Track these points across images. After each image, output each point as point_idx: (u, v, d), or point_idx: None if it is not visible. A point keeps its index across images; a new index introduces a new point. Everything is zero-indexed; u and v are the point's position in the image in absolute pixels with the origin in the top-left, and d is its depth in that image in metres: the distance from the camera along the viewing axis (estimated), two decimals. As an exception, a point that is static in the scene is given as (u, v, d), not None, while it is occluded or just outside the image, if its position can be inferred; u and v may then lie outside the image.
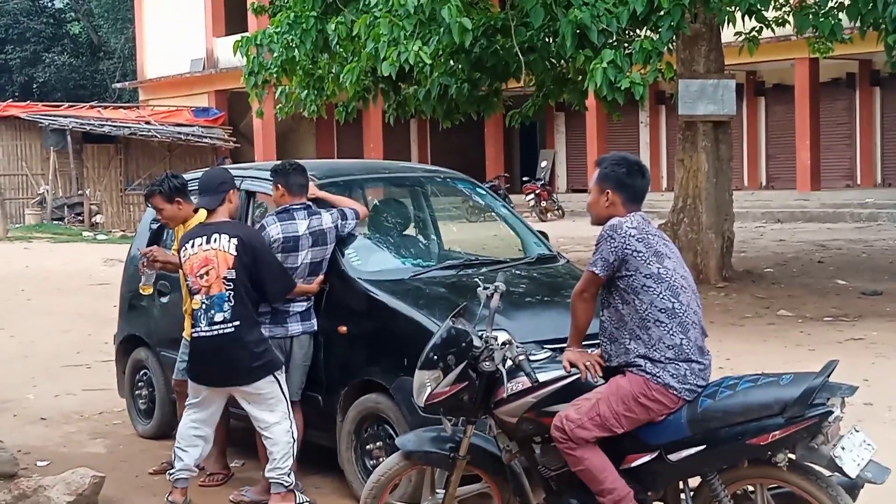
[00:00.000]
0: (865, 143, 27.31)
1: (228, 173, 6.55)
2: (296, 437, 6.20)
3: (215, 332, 6.06)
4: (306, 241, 6.43)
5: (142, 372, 8.02)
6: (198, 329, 6.13)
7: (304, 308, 6.43)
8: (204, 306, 6.10)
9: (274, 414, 6.14)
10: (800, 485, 4.43)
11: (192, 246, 6.20)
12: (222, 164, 7.49)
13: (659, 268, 4.56)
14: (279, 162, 6.86)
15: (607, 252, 4.58)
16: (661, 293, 4.54)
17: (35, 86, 43.00)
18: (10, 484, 6.49)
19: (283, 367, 6.25)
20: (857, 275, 15.20)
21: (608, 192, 4.73)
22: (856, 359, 9.36)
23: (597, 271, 4.61)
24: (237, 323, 6.06)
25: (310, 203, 6.55)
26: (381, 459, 5.97)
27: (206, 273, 6.09)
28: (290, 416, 6.18)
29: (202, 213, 6.51)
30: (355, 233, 6.66)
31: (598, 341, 4.87)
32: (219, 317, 6.06)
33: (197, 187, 6.51)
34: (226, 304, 6.07)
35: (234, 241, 6.11)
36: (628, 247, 4.55)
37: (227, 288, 6.06)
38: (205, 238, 6.16)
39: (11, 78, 44.03)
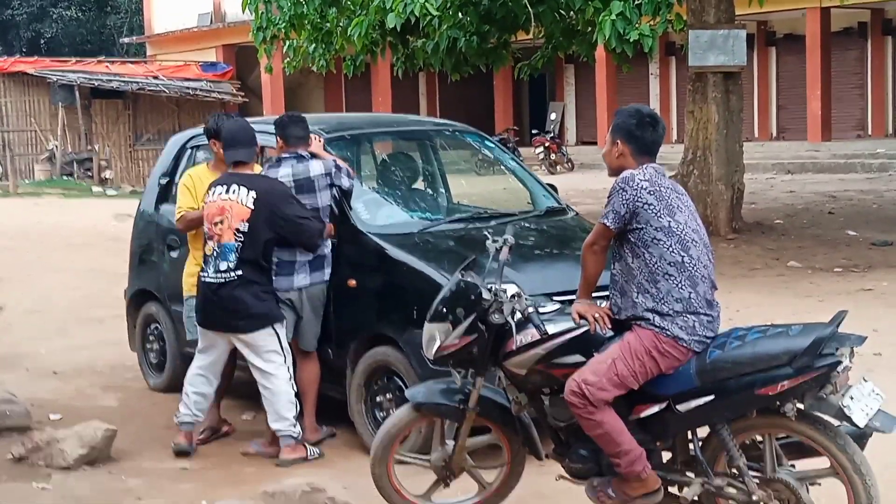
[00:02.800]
0: (877, 93, 27.10)
1: (252, 127, 6.56)
2: (295, 388, 6.29)
3: (220, 280, 6.19)
4: (288, 187, 6.38)
5: (153, 326, 8.07)
6: (205, 274, 6.29)
7: (311, 257, 6.43)
8: (214, 253, 6.24)
9: (272, 365, 6.23)
10: (808, 434, 4.45)
11: (213, 194, 6.32)
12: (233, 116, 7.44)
13: (670, 221, 4.55)
14: (281, 115, 6.86)
15: (619, 205, 4.56)
16: (670, 246, 4.53)
17: (42, 41, 42.82)
18: (23, 437, 6.56)
19: (284, 321, 6.32)
20: (868, 225, 15.15)
21: (618, 143, 4.72)
22: (865, 309, 9.35)
23: (608, 224, 4.59)
24: (240, 272, 6.16)
25: (303, 153, 6.52)
26: (390, 412, 6.01)
27: (220, 222, 6.20)
28: (290, 369, 6.25)
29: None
30: (347, 187, 6.57)
31: (607, 293, 4.87)
32: (223, 265, 6.19)
33: (225, 141, 6.47)
34: (232, 254, 6.17)
35: (252, 193, 6.16)
36: (640, 199, 4.53)
37: (238, 239, 6.15)
38: (225, 187, 6.23)
39: (18, 33, 43.85)
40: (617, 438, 4.55)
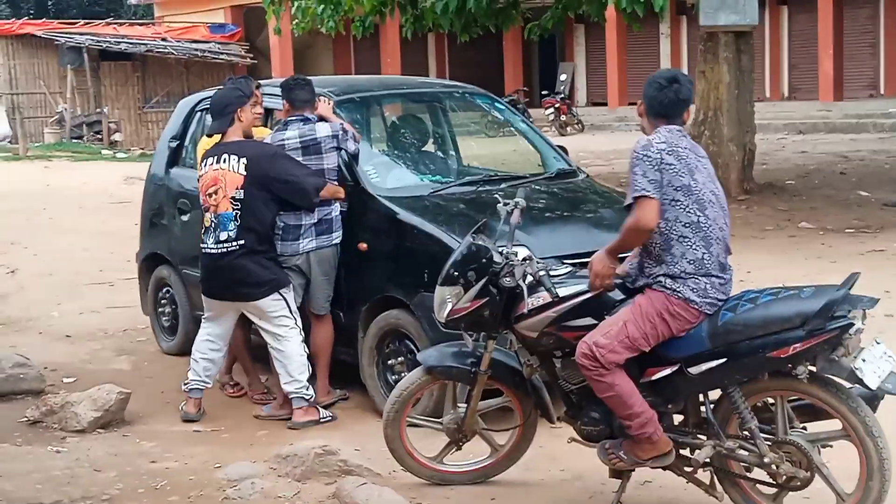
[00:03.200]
0: (890, 52, 26.84)
1: (234, 92, 6.48)
2: (307, 351, 6.31)
3: (221, 250, 6.22)
4: (294, 149, 6.39)
5: (164, 290, 8.09)
6: (205, 245, 6.32)
7: (316, 220, 6.42)
8: (212, 224, 6.27)
9: (283, 329, 6.26)
10: (820, 397, 4.45)
11: (205, 165, 6.37)
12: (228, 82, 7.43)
13: (690, 181, 4.50)
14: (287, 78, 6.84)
15: (650, 171, 4.44)
16: (687, 206, 4.49)
17: (50, 3, 42.71)
18: (37, 400, 6.61)
19: (290, 285, 6.33)
20: (880, 186, 15.08)
21: (642, 104, 4.71)
22: (877, 270, 9.32)
23: (649, 193, 4.42)
24: (241, 241, 6.19)
25: (309, 116, 6.50)
26: (402, 374, 6.03)
27: (215, 192, 6.23)
28: (300, 332, 6.27)
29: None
30: (353, 151, 6.54)
31: (623, 255, 4.83)
32: (223, 235, 6.22)
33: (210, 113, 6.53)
34: (231, 223, 6.20)
35: (244, 160, 6.18)
36: (663, 161, 4.47)
37: (234, 207, 6.18)
38: (216, 158, 6.26)
39: (26, -4, 43.73)
40: (628, 401, 4.56)
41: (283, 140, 6.42)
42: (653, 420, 4.58)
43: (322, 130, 6.43)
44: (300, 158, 6.37)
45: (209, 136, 6.48)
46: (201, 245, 6.38)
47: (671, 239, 4.51)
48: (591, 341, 4.55)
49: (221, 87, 6.80)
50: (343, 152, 6.48)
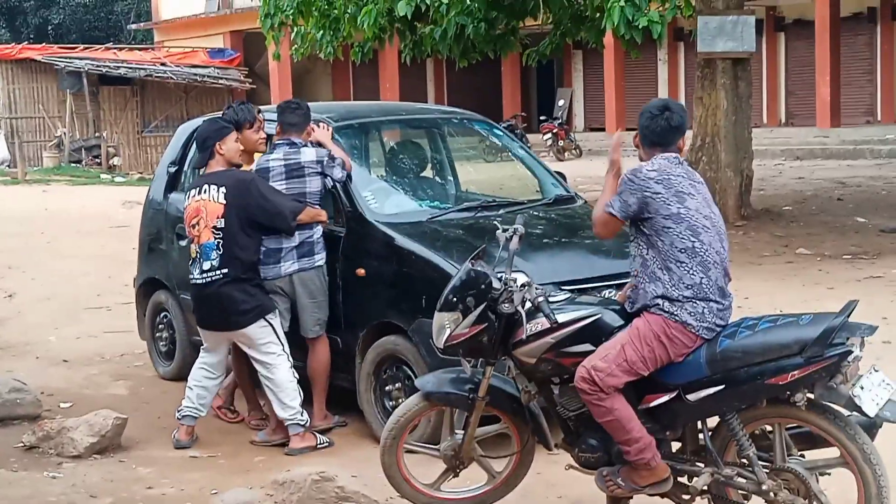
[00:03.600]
0: (886, 78, 26.95)
1: (213, 126, 6.53)
2: (296, 376, 6.32)
3: (206, 279, 6.27)
4: (279, 172, 6.43)
5: (162, 314, 8.08)
6: (193, 276, 6.36)
7: (297, 242, 6.43)
8: (196, 255, 6.32)
9: (271, 356, 6.28)
10: (818, 424, 4.44)
11: (188, 197, 6.42)
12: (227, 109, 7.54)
13: (679, 208, 4.55)
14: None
15: (627, 195, 4.59)
16: (680, 233, 4.53)
17: (50, 28, 42.81)
18: (33, 425, 6.59)
19: (276, 311, 6.34)
20: (877, 212, 15.10)
21: (636, 136, 4.77)
22: (875, 297, 9.32)
23: (614, 213, 4.62)
24: (224, 270, 6.22)
25: (296, 140, 6.53)
26: (400, 400, 6.02)
27: (197, 223, 6.27)
28: (288, 358, 6.29)
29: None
30: (338, 178, 6.56)
31: (614, 283, 4.88)
32: (206, 265, 6.26)
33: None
34: (213, 252, 6.24)
35: (223, 189, 6.23)
36: (647, 189, 4.54)
37: (216, 237, 6.21)
38: (197, 189, 6.32)
39: (26, 20, 43.83)
40: (627, 426, 4.55)
41: (267, 161, 6.47)
42: (651, 446, 4.57)
43: (307, 155, 6.46)
44: (283, 181, 6.41)
45: (195, 168, 6.56)
46: (189, 276, 6.41)
47: (669, 261, 4.53)
48: (589, 365, 4.55)
49: (222, 112, 6.82)
50: (329, 179, 6.50)
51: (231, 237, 6.22)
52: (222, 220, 6.21)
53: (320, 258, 6.50)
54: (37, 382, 7.61)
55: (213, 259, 6.23)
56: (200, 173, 6.51)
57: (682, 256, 4.53)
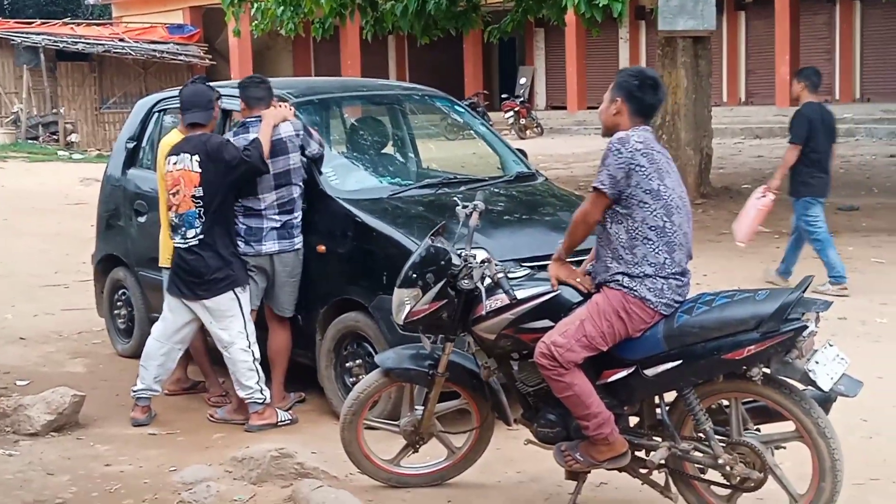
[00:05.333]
0: (845, 58, 27.18)
1: (213, 89, 6.53)
2: (256, 355, 6.31)
3: (188, 244, 6.23)
4: None
5: (120, 291, 8.03)
6: (175, 240, 6.32)
7: (280, 224, 6.40)
8: (174, 224, 6.28)
9: (229, 333, 6.25)
10: (774, 398, 4.49)
11: (169, 164, 6.35)
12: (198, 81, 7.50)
13: (659, 184, 4.52)
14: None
15: (614, 167, 4.48)
16: (655, 210, 4.51)
17: (6, 2, 42.21)
18: (-10, 403, 6.52)
19: (247, 286, 6.32)
20: (834, 190, 15.03)
21: (618, 101, 4.66)
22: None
23: (605, 189, 4.50)
24: (203, 236, 6.20)
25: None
26: (360, 377, 6.01)
27: (176, 192, 6.23)
28: (249, 336, 6.28)
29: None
30: (313, 153, 6.53)
31: (578, 259, 4.89)
32: (190, 233, 6.23)
33: (180, 103, 6.47)
34: (196, 220, 6.22)
35: (196, 157, 6.19)
36: (634, 160, 4.49)
37: (197, 205, 6.15)
38: (177, 157, 6.26)
39: (-19, -5, 43.23)
40: (586, 401, 4.57)
41: (246, 140, 6.39)
42: (609, 421, 4.60)
43: (285, 129, 6.41)
44: (270, 160, 6.33)
45: (191, 125, 6.38)
46: (173, 241, 6.35)
47: (636, 239, 4.53)
48: (549, 341, 4.57)
49: (185, 86, 6.74)
50: (301, 154, 6.46)
51: (211, 203, 6.18)
52: (200, 188, 6.18)
53: (299, 241, 6.48)
54: (-7, 360, 7.55)
55: (197, 227, 6.20)
56: (174, 143, 6.41)
57: (651, 234, 4.52)
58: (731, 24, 28.79)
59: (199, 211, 6.20)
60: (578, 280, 4.72)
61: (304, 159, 6.48)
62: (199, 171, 6.18)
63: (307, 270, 6.53)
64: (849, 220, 12.76)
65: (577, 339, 4.53)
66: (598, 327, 4.53)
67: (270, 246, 6.41)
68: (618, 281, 4.55)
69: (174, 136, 6.63)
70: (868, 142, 22.37)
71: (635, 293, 4.52)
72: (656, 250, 4.53)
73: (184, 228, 6.22)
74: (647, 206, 4.51)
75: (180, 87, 6.87)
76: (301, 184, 6.46)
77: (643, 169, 4.50)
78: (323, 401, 6.58)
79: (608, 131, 4.70)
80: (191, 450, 6.05)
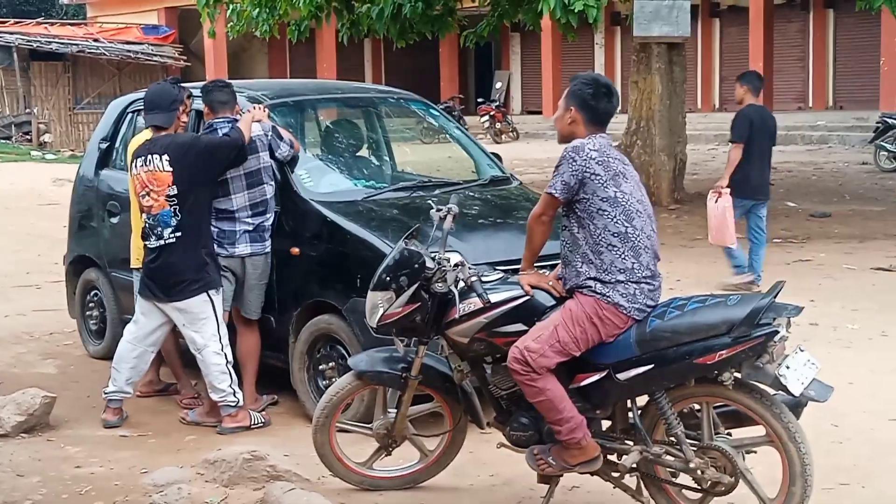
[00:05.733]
0: (818, 65, 27.40)
1: (178, 90, 6.47)
2: (228, 357, 6.28)
3: (162, 243, 6.19)
4: None
5: (92, 293, 7.98)
6: (148, 243, 6.26)
7: (252, 227, 6.39)
8: (148, 225, 6.23)
9: (202, 336, 6.22)
10: (745, 403, 4.51)
11: (136, 166, 6.31)
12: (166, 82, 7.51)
13: (616, 191, 4.56)
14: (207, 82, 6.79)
15: (568, 175, 4.56)
16: (615, 217, 4.55)
17: (-21, 1, 41.94)
18: (-40, 404, 6.47)
19: (220, 289, 6.28)
20: (807, 197, 15.36)
21: (572, 110, 4.71)
22: (802, 280, 9.50)
23: (556, 194, 4.59)
24: (179, 234, 6.16)
25: (235, 118, 6.47)
26: (333, 380, 6.01)
27: (147, 194, 6.18)
28: (221, 338, 6.26)
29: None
30: (282, 156, 6.53)
31: (549, 263, 4.91)
32: (167, 231, 6.18)
33: (144, 104, 6.44)
34: (172, 218, 6.18)
35: (166, 157, 6.16)
36: (588, 169, 4.54)
37: (171, 204, 6.12)
38: (143, 158, 6.23)
39: (-46, -7, 42.89)
40: (558, 406, 4.58)
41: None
42: (581, 425, 4.61)
43: (254, 129, 6.40)
44: None
45: (153, 127, 6.35)
46: (145, 242, 6.30)
47: (600, 245, 4.56)
48: (522, 346, 4.58)
49: (151, 85, 6.72)
50: (273, 154, 6.45)
51: (186, 201, 6.15)
52: (174, 187, 6.14)
53: (269, 244, 6.47)
54: (-37, 361, 7.49)
55: (173, 225, 6.15)
56: (137, 144, 6.38)
57: (614, 241, 4.56)
58: (706, 30, 28.95)
59: (175, 209, 6.16)
60: (551, 284, 4.74)
61: (273, 161, 6.47)
62: (171, 169, 6.15)
63: (281, 273, 6.52)
64: (821, 226, 12.86)
65: (550, 345, 4.54)
66: (572, 333, 4.54)
67: (243, 248, 6.40)
68: (590, 287, 4.57)
69: (143, 137, 6.61)
70: (841, 149, 22.56)
71: (608, 299, 4.54)
72: (622, 256, 4.55)
73: (159, 228, 6.17)
74: (605, 213, 4.55)
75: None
76: (272, 183, 6.45)
77: (598, 177, 4.54)
78: (296, 403, 6.57)
79: (564, 139, 4.75)
80: (162, 452, 6.02)
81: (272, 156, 6.46)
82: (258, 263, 6.45)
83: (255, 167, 6.37)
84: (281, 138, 6.48)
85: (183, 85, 6.75)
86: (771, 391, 4.49)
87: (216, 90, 6.54)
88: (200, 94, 6.59)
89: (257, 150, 6.37)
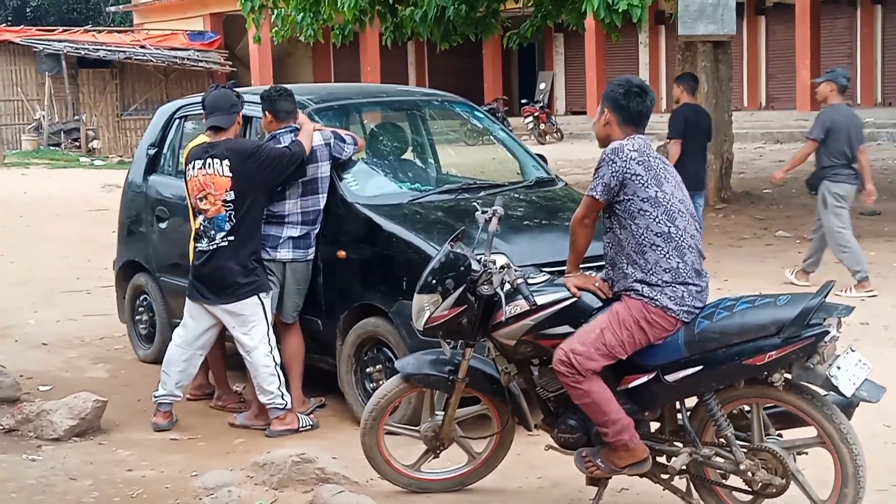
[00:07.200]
0: (866, 62, 27.07)
1: (237, 95, 6.53)
2: (277, 360, 6.30)
3: (213, 247, 6.22)
4: None
5: (142, 297, 8.06)
6: (200, 245, 6.30)
7: (298, 234, 6.43)
8: (203, 228, 6.27)
9: (252, 338, 6.25)
10: (795, 404, 4.47)
11: (193, 168, 6.34)
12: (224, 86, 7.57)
13: (657, 191, 4.55)
14: (266, 87, 6.79)
15: (608, 176, 4.56)
16: (657, 217, 4.53)
17: (28, 10, 42.51)
18: (13, 408, 6.57)
19: (270, 292, 6.33)
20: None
21: (605, 112, 4.72)
22: (852, 279, 9.38)
23: (597, 196, 4.58)
24: (232, 238, 6.19)
25: (297, 126, 6.50)
26: (380, 382, 6.02)
27: (204, 198, 6.19)
28: (270, 341, 6.29)
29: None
30: (353, 158, 6.63)
31: (595, 265, 4.90)
32: (220, 235, 6.23)
33: (204, 107, 6.48)
34: (227, 223, 6.22)
35: (226, 162, 6.18)
36: (629, 170, 4.53)
37: (227, 209, 6.15)
38: (202, 161, 6.24)
39: (4, 2, 43.52)
40: (605, 408, 4.57)
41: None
42: (629, 427, 4.59)
43: (315, 139, 6.43)
44: None
45: (211, 129, 6.38)
46: (195, 245, 6.35)
47: (644, 245, 4.54)
48: (568, 348, 4.56)
49: (208, 92, 6.74)
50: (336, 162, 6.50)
51: (243, 207, 6.19)
52: (231, 192, 6.18)
53: (312, 252, 6.51)
54: (16, 366, 7.58)
55: (227, 229, 6.20)
56: (196, 145, 6.42)
57: (658, 241, 4.54)
58: (752, 28, 28.69)
59: (230, 214, 6.20)
60: (597, 285, 4.72)
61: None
62: (231, 175, 6.18)
63: (327, 276, 6.54)
64: (871, 224, 12.70)
65: (596, 348, 4.53)
66: (618, 336, 4.53)
67: (285, 254, 6.44)
68: (637, 290, 4.55)
69: (199, 140, 6.64)
70: (890, 146, 22.25)
71: (656, 303, 4.51)
72: (667, 256, 4.53)
73: (213, 232, 6.22)
74: (647, 213, 4.53)
75: (202, 94, 6.89)
76: (326, 194, 6.48)
77: (639, 177, 4.52)
78: (343, 406, 6.59)
79: (602, 142, 4.76)
80: (212, 455, 6.06)
81: (335, 162, 6.49)
82: (298, 270, 6.49)
83: (313, 176, 6.41)
84: (343, 140, 6.52)
85: (238, 90, 6.78)
86: (822, 392, 4.45)
87: (281, 99, 6.52)
88: (260, 102, 6.59)
89: (317, 160, 6.41)
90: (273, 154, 6.23)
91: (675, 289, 4.52)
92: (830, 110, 9.50)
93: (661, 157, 4.71)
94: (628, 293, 4.58)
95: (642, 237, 4.54)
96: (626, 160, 4.54)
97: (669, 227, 4.54)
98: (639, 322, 4.52)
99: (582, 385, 4.55)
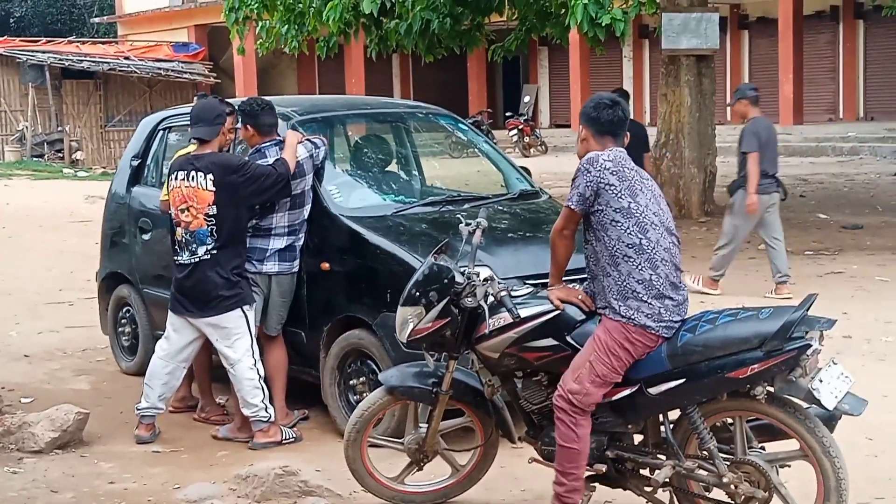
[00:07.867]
0: (848, 76, 27.24)
1: (223, 105, 6.50)
2: (261, 372, 6.28)
3: (195, 260, 6.20)
4: None
5: (125, 309, 8.03)
6: (179, 258, 6.26)
7: (283, 246, 6.42)
8: (184, 240, 6.24)
9: (236, 351, 6.23)
10: (778, 417, 4.48)
11: (176, 179, 6.31)
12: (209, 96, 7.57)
13: (630, 202, 4.56)
14: (245, 100, 6.73)
15: (583, 186, 4.58)
16: (628, 228, 4.55)
17: (12, 20, 42.37)
18: (-6, 421, 6.52)
19: (254, 304, 6.31)
20: (839, 209, 15.26)
21: (581, 129, 4.79)
22: (835, 292, 9.43)
23: (573, 207, 4.61)
24: (214, 252, 6.17)
25: (281, 139, 6.49)
26: (364, 395, 6.01)
27: (186, 209, 6.16)
28: (254, 353, 6.26)
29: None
30: (338, 170, 6.58)
31: (578, 277, 4.91)
32: (201, 249, 6.19)
33: (190, 118, 6.46)
34: (208, 238, 6.19)
35: (210, 176, 6.15)
36: (602, 180, 4.55)
37: (209, 223, 6.12)
38: (185, 173, 6.21)
39: (-13, 13, 43.41)
40: (577, 461, 4.61)
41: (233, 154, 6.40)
42: (581, 491, 4.65)
43: (301, 152, 6.42)
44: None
45: (196, 140, 6.35)
46: (174, 258, 6.33)
47: (617, 257, 4.56)
48: (564, 389, 4.58)
49: (194, 103, 6.72)
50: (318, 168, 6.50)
51: (225, 222, 6.16)
52: (214, 206, 6.15)
53: (297, 264, 6.50)
54: (-3, 377, 7.55)
55: (209, 244, 6.16)
56: (180, 155, 6.39)
57: (630, 252, 4.55)
58: (735, 42, 28.86)
59: (212, 229, 6.18)
60: (580, 298, 4.73)
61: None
62: (213, 189, 6.16)
63: (311, 288, 6.54)
64: (853, 238, 12.76)
65: (590, 381, 4.55)
66: (608, 364, 4.54)
67: (271, 266, 6.42)
68: (614, 308, 4.56)
69: (187, 151, 6.61)
70: (872, 160, 22.38)
71: (634, 322, 4.53)
72: (639, 267, 4.54)
73: (194, 245, 6.19)
74: (619, 224, 4.55)
75: (186, 105, 6.87)
76: (310, 205, 6.48)
77: (613, 187, 4.55)
78: (327, 418, 6.58)
79: (581, 157, 4.77)
80: (195, 467, 6.04)
81: (315, 171, 6.50)
82: (283, 282, 6.48)
83: (300, 190, 6.41)
84: (317, 146, 6.51)
85: (228, 101, 6.76)
86: (804, 405, 4.46)
87: (263, 113, 6.48)
88: (240, 115, 6.57)
89: (304, 174, 6.40)
90: (258, 172, 6.20)
91: (651, 305, 4.53)
92: (752, 124, 9.67)
93: (639, 169, 4.72)
94: (605, 312, 4.59)
95: (615, 248, 4.56)
96: (600, 170, 4.57)
97: (641, 238, 4.55)
98: (622, 344, 4.54)
99: (577, 428, 4.57)
